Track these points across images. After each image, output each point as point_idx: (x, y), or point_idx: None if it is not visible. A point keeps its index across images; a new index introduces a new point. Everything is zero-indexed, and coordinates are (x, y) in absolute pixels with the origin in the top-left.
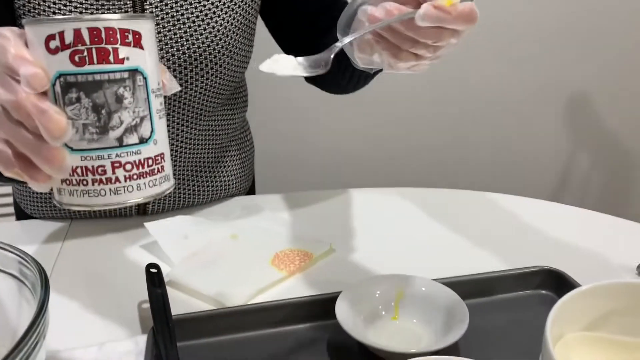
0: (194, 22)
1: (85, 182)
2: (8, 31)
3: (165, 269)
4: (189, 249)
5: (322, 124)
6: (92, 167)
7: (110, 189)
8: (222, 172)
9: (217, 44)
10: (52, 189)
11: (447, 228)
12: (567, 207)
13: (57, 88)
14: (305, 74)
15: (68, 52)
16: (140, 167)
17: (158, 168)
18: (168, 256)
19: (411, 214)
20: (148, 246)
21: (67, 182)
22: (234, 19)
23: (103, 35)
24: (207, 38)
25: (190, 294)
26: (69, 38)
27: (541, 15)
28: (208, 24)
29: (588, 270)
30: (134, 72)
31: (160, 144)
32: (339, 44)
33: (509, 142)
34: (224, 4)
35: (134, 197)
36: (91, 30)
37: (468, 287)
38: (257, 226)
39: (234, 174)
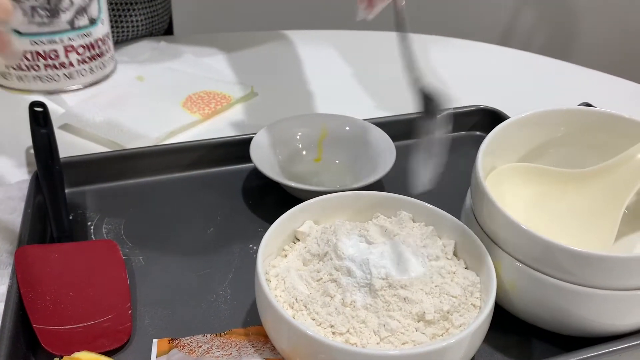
0: None
1: (37, 67)
2: None
3: (57, 111)
4: (87, 90)
5: None
6: (44, 51)
7: (64, 74)
8: (129, 10)
9: None
10: None
11: (382, 69)
12: (511, 50)
13: None
14: None
15: None
16: (92, 49)
17: (106, 48)
18: (64, 100)
19: (340, 56)
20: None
21: (16, 66)
22: None
23: None
24: None
25: (88, 137)
26: None
27: None
28: None
29: (527, 110)
30: None
31: (106, 22)
32: None
33: None
34: None
35: (87, 81)
36: None
37: (398, 128)
38: (168, 67)
39: (144, 13)
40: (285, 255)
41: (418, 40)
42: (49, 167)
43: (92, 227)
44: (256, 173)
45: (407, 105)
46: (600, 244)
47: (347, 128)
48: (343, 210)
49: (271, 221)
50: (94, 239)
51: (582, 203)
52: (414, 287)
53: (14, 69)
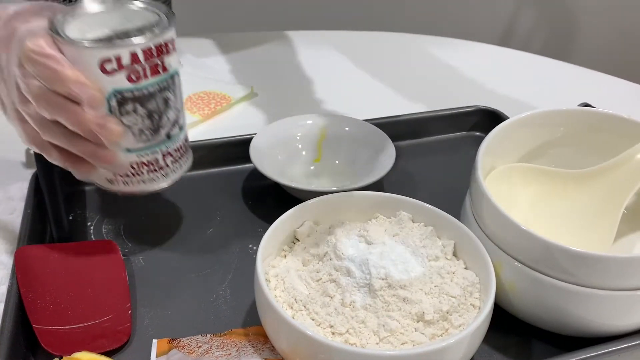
0: None
1: (140, 173)
2: (56, 51)
3: None
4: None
5: None
6: (147, 161)
7: (161, 175)
8: None
9: None
10: (100, 180)
11: (381, 70)
12: (511, 50)
13: (114, 103)
14: None
15: (124, 72)
16: (181, 149)
17: (188, 144)
18: None
19: (341, 57)
20: None
21: (122, 174)
22: None
23: (154, 52)
24: None
25: None
26: (125, 60)
27: None
28: None
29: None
30: (175, 74)
31: (185, 124)
32: None
33: None
34: None
35: (179, 174)
36: (145, 50)
37: (398, 128)
38: None
39: None
40: (285, 256)
41: (418, 41)
42: (48, 167)
43: (91, 228)
44: (256, 173)
45: (406, 106)
46: (600, 244)
47: (347, 128)
48: (343, 211)
49: (271, 221)
50: (93, 239)
51: (581, 203)
52: (414, 287)
53: (121, 176)
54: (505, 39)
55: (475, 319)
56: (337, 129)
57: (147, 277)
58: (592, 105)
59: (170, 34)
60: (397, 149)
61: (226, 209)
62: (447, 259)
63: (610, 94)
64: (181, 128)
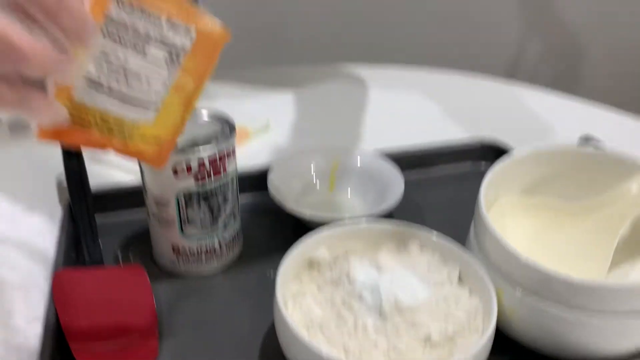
0: None
1: (199, 258)
2: None
3: None
4: None
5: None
6: (206, 246)
7: (216, 258)
8: None
9: None
10: (164, 260)
11: (390, 104)
12: (517, 84)
13: (182, 200)
14: None
15: (192, 175)
16: (235, 236)
17: (240, 232)
18: None
19: (352, 91)
20: None
21: (184, 258)
22: None
23: (218, 159)
24: None
25: (113, 168)
26: (194, 166)
27: None
28: None
29: (531, 144)
30: (233, 175)
31: (239, 214)
32: None
33: (461, 21)
34: None
35: (231, 258)
36: (210, 157)
37: (406, 159)
38: None
39: None
40: (301, 281)
41: (426, 74)
42: (80, 197)
43: (119, 254)
44: (273, 202)
45: (414, 137)
46: (596, 273)
47: (358, 160)
48: (355, 238)
49: (287, 248)
50: (121, 264)
51: (578, 234)
52: (421, 311)
53: (182, 258)
54: (512, 71)
55: (477, 342)
56: (348, 161)
57: (172, 300)
58: (594, 137)
59: (231, 142)
60: (405, 179)
61: (246, 237)
62: (452, 285)
63: (614, 127)
64: (235, 218)
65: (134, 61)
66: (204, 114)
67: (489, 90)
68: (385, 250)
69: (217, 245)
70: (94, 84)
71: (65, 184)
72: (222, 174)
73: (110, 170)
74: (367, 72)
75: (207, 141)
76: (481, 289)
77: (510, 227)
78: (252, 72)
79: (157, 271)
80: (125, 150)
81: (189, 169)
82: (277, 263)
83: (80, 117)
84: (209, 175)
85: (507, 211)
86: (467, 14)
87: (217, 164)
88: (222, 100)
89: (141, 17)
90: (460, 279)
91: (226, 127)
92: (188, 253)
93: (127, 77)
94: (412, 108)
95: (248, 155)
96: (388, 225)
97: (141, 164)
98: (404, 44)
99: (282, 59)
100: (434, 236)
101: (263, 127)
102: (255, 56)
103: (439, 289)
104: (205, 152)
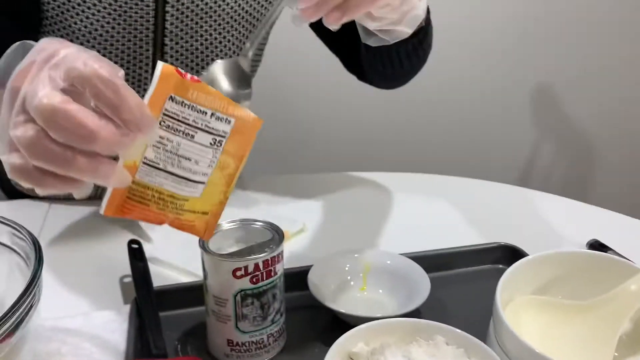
0: (201, 18)
1: (250, 350)
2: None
3: (145, 247)
4: (168, 228)
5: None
6: (256, 340)
7: (264, 351)
8: None
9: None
10: (218, 352)
11: (416, 209)
12: (529, 190)
13: (238, 298)
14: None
15: (249, 277)
16: (280, 330)
17: (284, 327)
18: (148, 234)
19: (379, 196)
20: (128, 225)
21: (237, 351)
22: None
23: (270, 262)
24: (215, 39)
25: (170, 269)
26: (250, 269)
27: (506, 7)
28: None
29: (544, 247)
30: (281, 275)
31: (284, 311)
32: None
33: (476, 130)
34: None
35: (277, 350)
36: (265, 261)
37: (431, 261)
38: (234, 207)
39: None
40: None
41: (448, 181)
42: (146, 294)
43: (178, 346)
44: (312, 299)
45: (438, 241)
46: None
47: (388, 262)
48: (388, 334)
49: (326, 340)
50: (180, 355)
51: (585, 330)
52: None
53: (235, 351)
54: (525, 177)
55: None
56: (379, 262)
57: None
58: (602, 242)
59: (281, 248)
60: (431, 279)
61: (289, 331)
62: None
63: (623, 232)
64: (282, 314)
65: (184, 147)
66: (258, 224)
67: (504, 195)
68: (416, 345)
69: (266, 339)
70: (153, 165)
71: (130, 284)
72: (272, 276)
73: (168, 271)
74: (392, 179)
75: (261, 247)
76: None
77: (524, 322)
78: (286, 178)
79: None
80: (178, 223)
81: (246, 271)
82: (317, 354)
83: (140, 193)
84: (262, 277)
85: (521, 308)
86: (480, 121)
87: (269, 266)
88: (262, 205)
89: (191, 111)
90: None
91: (276, 235)
92: (241, 346)
93: (179, 159)
94: (434, 213)
95: (287, 256)
96: (417, 323)
97: (205, 267)
98: (422, 154)
99: (310, 169)
100: (458, 332)
101: (299, 230)
102: (285, 164)
103: None
104: (260, 256)
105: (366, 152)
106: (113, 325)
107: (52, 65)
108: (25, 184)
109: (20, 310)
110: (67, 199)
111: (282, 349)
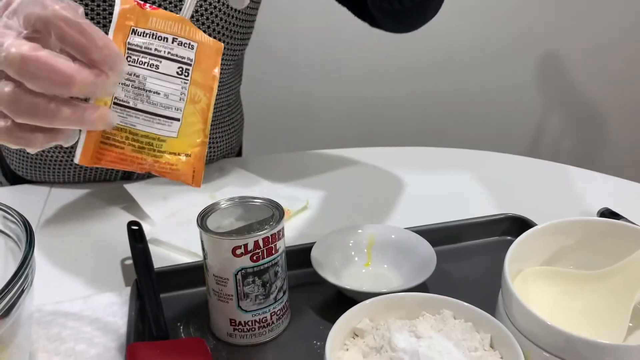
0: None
1: (253, 329)
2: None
3: (145, 229)
4: (169, 209)
5: (305, 86)
6: (259, 319)
7: (268, 329)
8: (209, 145)
9: (218, 32)
10: (221, 332)
11: (423, 182)
12: (537, 160)
13: (239, 277)
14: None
15: (249, 255)
16: (284, 309)
17: (288, 304)
18: (148, 215)
19: (384, 170)
20: (128, 207)
21: (240, 330)
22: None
23: (270, 239)
24: (209, 27)
25: (171, 250)
26: (250, 247)
27: None
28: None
29: (553, 217)
30: (283, 253)
31: (287, 289)
32: None
33: (484, 99)
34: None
35: (281, 328)
36: (265, 239)
37: (437, 235)
38: (236, 186)
39: (220, 147)
40: (347, 349)
41: (454, 154)
42: (146, 276)
43: (181, 327)
44: (316, 276)
45: (444, 213)
46: (614, 335)
47: (392, 236)
48: (394, 309)
49: (330, 317)
50: (183, 336)
51: (597, 300)
52: None
53: (238, 330)
54: (533, 148)
55: None
56: (384, 237)
57: None
58: (613, 210)
59: (281, 225)
60: (437, 253)
61: (293, 309)
62: (485, 350)
63: (635, 200)
64: (285, 292)
65: (151, 80)
66: (257, 201)
67: (513, 166)
68: (422, 320)
69: (269, 318)
70: (123, 105)
71: (130, 267)
72: (273, 253)
73: (169, 252)
74: (398, 153)
75: (261, 225)
76: (512, 353)
77: (533, 294)
78: (288, 156)
79: (215, 342)
80: (159, 167)
81: (245, 249)
82: (322, 332)
83: (114, 136)
84: (263, 255)
85: (530, 281)
86: (489, 94)
87: (269, 244)
88: (265, 184)
89: (153, 40)
90: (492, 344)
91: (276, 212)
92: (243, 325)
93: (148, 94)
94: (442, 185)
95: (290, 233)
96: (423, 297)
97: (204, 246)
98: (433, 128)
99: (314, 145)
100: (466, 305)
101: (302, 208)
102: (288, 142)
103: (472, 354)
104: (260, 234)
105: (369, 126)
106: (114, 308)
107: (9, 13)
108: (13, 146)
109: (10, 295)
110: (68, 183)
111: (286, 327)
